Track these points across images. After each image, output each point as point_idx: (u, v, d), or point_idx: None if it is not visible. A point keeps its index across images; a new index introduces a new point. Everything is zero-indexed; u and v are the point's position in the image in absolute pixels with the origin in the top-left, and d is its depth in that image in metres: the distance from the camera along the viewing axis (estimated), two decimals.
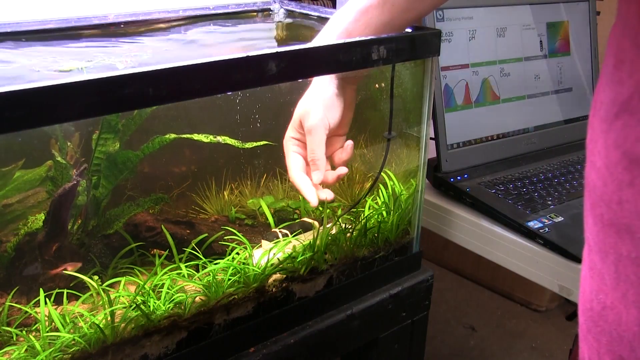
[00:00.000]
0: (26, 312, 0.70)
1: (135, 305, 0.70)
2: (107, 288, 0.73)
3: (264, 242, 0.89)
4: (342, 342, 0.90)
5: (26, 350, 0.66)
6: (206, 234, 0.86)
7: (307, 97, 0.77)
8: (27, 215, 0.77)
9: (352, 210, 0.95)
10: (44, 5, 0.90)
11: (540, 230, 0.90)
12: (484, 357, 1.80)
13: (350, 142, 0.79)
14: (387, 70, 0.89)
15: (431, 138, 0.96)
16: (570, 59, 1.22)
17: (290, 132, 0.78)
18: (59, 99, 0.53)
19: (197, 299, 0.76)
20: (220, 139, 0.88)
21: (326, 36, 0.75)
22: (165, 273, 0.77)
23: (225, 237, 0.86)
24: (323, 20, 1.02)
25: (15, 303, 0.71)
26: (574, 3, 1.21)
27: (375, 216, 0.93)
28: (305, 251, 0.84)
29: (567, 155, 1.16)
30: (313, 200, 0.75)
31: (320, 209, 0.99)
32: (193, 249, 0.81)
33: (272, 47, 0.68)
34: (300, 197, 1.02)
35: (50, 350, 0.66)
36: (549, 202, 0.97)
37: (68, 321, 0.69)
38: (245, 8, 1.07)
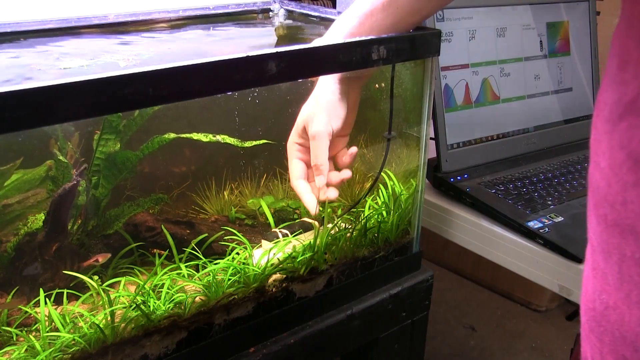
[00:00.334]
0: (26, 312, 0.70)
1: (135, 305, 0.70)
2: (107, 288, 0.73)
3: (264, 242, 0.89)
4: (342, 342, 0.90)
5: (26, 350, 0.66)
6: (206, 234, 0.86)
7: (311, 102, 0.77)
8: (27, 215, 0.77)
9: (352, 210, 0.95)
10: (44, 5, 0.90)
11: (540, 230, 0.90)
12: (484, 357, 1.80)
13: (354, 149, 0.79)
14: (387, 70, 0.89)
15: (431, 138, 0.96)
16: (570, 59, 1.22)
17: (294, 138, 0.78)
18: (59, 99, 0.53)
19: (197, 299, 0.76)
20: (220, 138, 0.88)
21: (330, 40, 0.75)
22: (165, 273, 0.77)
23: (225, 237, 0.86)
24: (323, 20, 1.02)
25: (15, 303, 0.71)
26: (574, 3, 1.21)
27: (375, 216, 0.93)
28: (305, 251, 0.84)
29: (567, 155, 1.16)
30: (312, 209, 0.75)
31: (321, 209, 0.99)
32: (193, 249, 0.81)
33: (272, 48, 0.68)
34: None
35: (50, 350, 0.66)
36: (549, 202, 0.97)
37: (68, 321, 0.69)
38: (245, 8, 1.07)
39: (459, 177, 1.03)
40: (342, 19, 0.76)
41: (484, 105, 1.10)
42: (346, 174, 0.78)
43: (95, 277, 0.74)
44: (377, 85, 0.98)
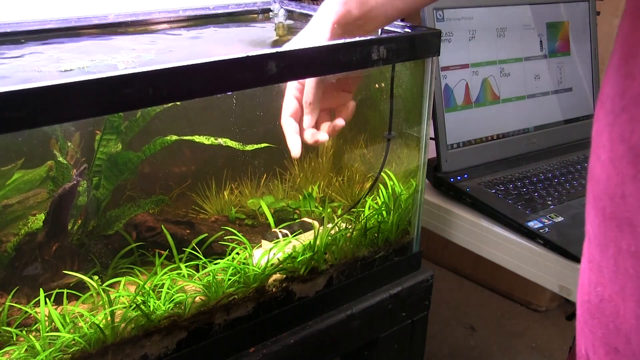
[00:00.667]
0: (26, 312, 0.70)
1: (135, 305, 0.71)
2: (107, 288, 0.74)
3: (264, 242, 0.89)
4: (342, 342, 0.90)
5: (26, 350, 0.66)
6: (206, 234, 0.86)
7: (308, 39, 0.73)
8: (27, 215, 0.77)
9: (352, 210, 0.95)
10: (44, 5, 0.90)
11: (540, 230, 0.90)
12: (484, 357, 1.80)
13: (353, 103, 0.76)
14: (387, 70, 0.89)
15: (431, 138, 0.96)
16: (570, 59, 1.22)
17: None
18: (59, 99, 0.53)
19: (197, 299, 0.76)
20: (222, 141, 0.88)
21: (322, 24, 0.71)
22: (165, 273, 0.77)
23: (225, 237, 0.86)
24: None
25: (15, 303, 0.71)
26: (574, 3, 1.21)
27: (375, 216, 0.93)
28: (305, 251, 0.84)
29: (567, 155, 1.16)
30: (293, 148, 0.72)
31: (321, 209, 0.99)
32: (193, 249, 0.81)
33: (272, 48, 0.68)
34: (300, 197, 1.02)
35: (50, 350, 0.66)
36: (549, 202, 0.97)
37: (68, 321, 0.69)
38: (245, 8, 1.07)
39: (459, 177, 1.03)
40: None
41: (484, 105, 1.10)
42: (339, 121, 0.74)
43: (95, 277, 0.74)
44: (377, 85, 0.98)
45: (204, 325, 0.76)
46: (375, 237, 0.92)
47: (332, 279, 0.87)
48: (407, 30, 0.83)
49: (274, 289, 0.81)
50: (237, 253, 0.82)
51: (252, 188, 1.01)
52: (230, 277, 0.78)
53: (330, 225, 0.89)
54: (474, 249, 0.99)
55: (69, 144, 0.79)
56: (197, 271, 0.79)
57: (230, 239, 0.86)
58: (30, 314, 0.70)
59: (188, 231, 0.88)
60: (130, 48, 0.85)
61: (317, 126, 0.75)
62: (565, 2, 1.20)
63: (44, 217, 0.76)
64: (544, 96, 1.18)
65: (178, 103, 0.83)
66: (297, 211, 1.00)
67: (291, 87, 0.75)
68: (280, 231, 0.90)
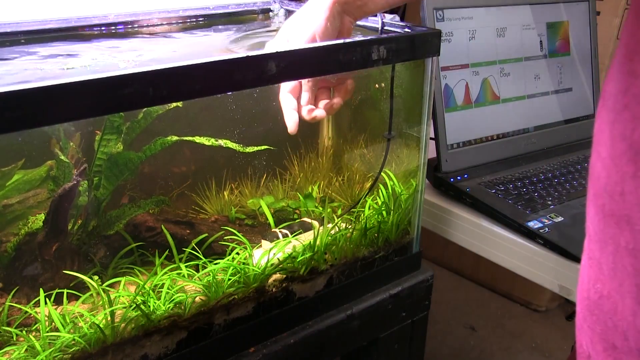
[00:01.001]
0: (26, 312, 0.70)
1: (135, 305, 0.71)
2: (107, 288, 0.73)
3: (264, 242, 0.89)
4: (342, 342, 0.90)
5: (26, 350, 0.66)
6: (206, 234, 0.86)
7: (299, 18, 0.73)
8: (27, 215, 0.77)
9: (352, 210, 0.95)
10: (44, 5, 0.90)
11: (540, 230, 0.90)
12: (484, 357, 1.80)
13: (351, 82, 0.76)
14: (387, 70, 0.89)
15: (431, 138, 0.96)
16: (570, 59, 1.22)
17: None
18: (59, 99, 0.53)
19: (197, 299, 0.76)
20: (222, 142, 0.88)
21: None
22: (165, 273, 0.77)
23: (225, 237, 0.86)
24: None
25: (15, 303, 0.71)
26: (574, 3, 1.21)
27: (375, 216, 0.93)
28: (305, 251, 0.84)
29: (567, 155, 1.16)
30: (290, 124, 0.72)
31: (321, 208, 0.99)
32: (193, 249, 0.81)
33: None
34: (300, 197, 1.02)
35: (50, 350, 0.66)
36: (549, 202, 0.97)
37: (68, 321, 0.69)
38: (246, 8, 1.07)
39: (459, 177, 1.03)
40: None
41: (484, 105, 1.10)
42: (337, 100, 0.75)
43: (95, 277, 0.74)
44: (377, 85, 0.98)
45: (204, 325, 0.76)
46: (375, 237, 0.92)
47: (332, 279, 0.87)
48: (407, 30, 0.83)
49: (274, 289, 0.81)
50: (237, 253, 0.82)
51: (252, 188, 1.01)
52: (230, 277, 0.78)
53: (330, 225, 0.89)
54: (474, 249, 0.99)
55: (71, 143, 0.79)
56: (197, 271, 0.79)
57: (230, 239, 0.86)
58: (30, 314, 0.70)
59: (188, 231, 0.88)
60: (131, 48, 0.85)
61: (315, 104, 0.75)
62: (565, 2, 1.20)
63: (44, 217, 0.76)
64: (544, 96, 1.18)
65: (180, 105, 0.83)
66: (297, 211, 1.00)
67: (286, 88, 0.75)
68: (280, 231, 0.90)
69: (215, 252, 0.85)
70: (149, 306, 0.72)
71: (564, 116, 1.21)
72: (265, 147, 0.95)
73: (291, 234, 0.90)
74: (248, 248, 0.83)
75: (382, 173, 0.94)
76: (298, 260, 0.83)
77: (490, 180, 1.04)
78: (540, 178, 1.05)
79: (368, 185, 0.99)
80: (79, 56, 0.78)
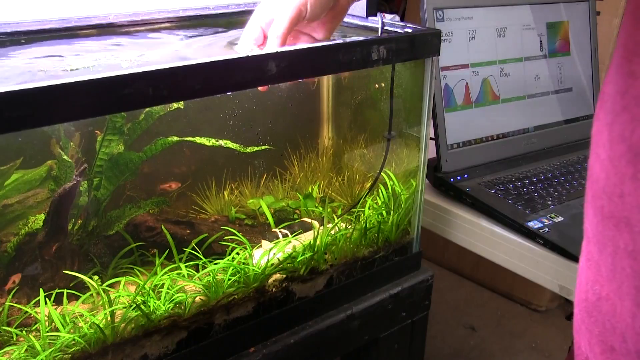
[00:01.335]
0: (26, 312, 0.70)
1: (135, 305, 0.71)
2: (107, 288, 0.73)
3: (264, 242, 0.89)
4: (342, 342, 0.90)
5: (26, 350, 0.66)
6: (206, 234, 0.86)
7: None
8: (27, 215, 0.77)
9: (352, 210, 0.95)
10: (44, 5, 0.90)
11: (540, 230, 0.90)
12: (484, 357, 1.80)
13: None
14: (387, 70, 0.89)
15: (431, 138, 0.96)
16: (570, 59, 1.22)
17: None
18: (59, 99, 0.53)
19: (197, 299, 0.76)
20: (222, 142, 0.88)
21: None
22: (165, 273, 0.77)
23: (225, 237, 0.86)
24: None
25: (15, 303, 0.71)
26: (574, 3, 1.21)
27: (375, 216, 0.93)
28: (305, 251, 0.84)
29: (567, 155, 1.16)
30: (241, 46, 0.71)
31: (320, 209, 0.99)
32: (193, 249, 0.81)
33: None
34: (300, 197, 1.02)
35: (50, 350, 0.66)
36: (549, 202, 0.97)
37: (68, 321, 0.69)
38: (246, 8, 1.07)
39: (459, 177, 1.03)
40: None
41: (484, 105, 1.10)
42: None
43: (95, 277, 0.74)
44: (377, 85, 0.98)
45: (204, 325, 0.76)
46: (375, 237, 0.92)
47: (332, 279, 0.87)
48: (407, 30, 0.83)
49: (274, 289, 0.81)
50: (237, 253, 0.82)
51: (252, 188, 1.01)
52: (230, 277, 0.78)
53: (330, 225, 0.89)
54: (474, 249, 0.99)
55: (71, 143, 0.79)
56: (197, 271, 0.79)
57: (230, 239, 0.86)
58: (30, 314, 0.70)
59: (188, 231, 0.88)
60: (131, 48, 0.85)
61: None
62: (565, 2, 1.20)
63: (44, 217, 0.76)
64: (544, 96, 1.18)
65: (181, 106, 0.83)
66: (297, 211, 1.00)
67: (259, 16, 0.72)
68: (280, 231, 0.90)
69: (215, 252, 0.85)
70: (149, 306, 0.72)
71: (564, 116, 1.21)
72: (266, 147, 0.95)
73: (291, 234, 0.90)
74: (248, 248, 0.83)
75: (382, 173, 0.94)
76: (298, 260, 0.83)
77: (490, 180, 1.04)
78: (540, 178, 1.05)
79: (368, 185, 0.99)
80: (80, 56, 0.78)
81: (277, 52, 0.65)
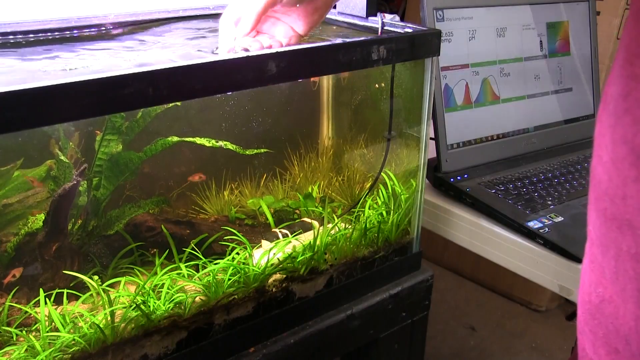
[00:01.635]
0: (26, 312, 0.70)
1: (135, 305, 0.71)
2: (107, 288, 0.73)
3: (264, 242, 0.89)
4: (342, 342, 0.90)
5: (26, 350, 0.66)
6: (206, 234, 0.86)
7: None
8: (27, 215, 0.77)
9: (352, 210, 0.95)
10: (44, 5, 0.90)
11: (540, 230, 0.90)
12: (484, 357, 1.80)
13: (296, 36, 0.73)
14: (387, 70, 0.89)
15: (431, 138, 0.96)
16: (570, 59, 1.22)
17: None
18: (59, 99, 0.53)
19: (197, 299, 0.76)
20: (222, 143, 0.88)
21: None
22: (165, 273, 0.77)
23: (225, 237, 0.86)
24: (323, 20, 1.02)
25: (15, 303, 0.71)
26: (574, 3, 1.21)
27: (376, 216, 0.93)
28: (305, 251, 0.84)
29: (567, 155, 1.16)
30: (222, 45, 0.70)
31: (320, 209, 0.99)
32: (193, 249, 0.81)
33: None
34: (300, 197, 1.02)
35: (50, 350, 0.66)
36: (549, 202, 0.97)
37: (68, 321, 0.69)
38: None
39: (459, 177, 1.03)
40: None
41: (484, 105, 1.10)
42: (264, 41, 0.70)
43: (95, 277, 0.74)
44: (377, 85, 0.98)
45: (204, 325, 0.76)
46: (375, 237, 0.92)
47: (332, 279, 0.87)
48: (407, 30, 0.83)
49: (274, 289, 0.81)
50: (237, 253, 0.82)
51: (252, 188, 1.01)
52: (230, 277, 0.78)
53: (330, 225, 0.89)
54: (474, 249, 0.99)
55: (70, 143, 0.79)
56: (197, 271, 0.79)
57: (230, 239, 0.86)
58: (30, 314, 0.70)
59: (188, 231, 0.88)
60: (131, 48, 0.85)
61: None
62: (565, 2, 1.20)
63: (44, 217, 0.76)
64: (544, 96, 1.18)
65: (179, 104, 0.83)
66: (297, 211, 1.00)
67: (229, 16, 0.71)
68: (280, 231, 0.90)
69: (215, 252, 0.85)
70: (149, 306, 0.72)
71: (564, 116, 1.21)
72: (265, 150, 0.95)
73: (291, 234, 0.90)
74: (248, 248, 0.83)
75: (382, 173, 0.94)
76: (298, 260, 0.83)
77: (490, 180, 1.04)
78: (540, 178, 1.05)
79: (368, 185, 0.99)
80: (79, 56, 0.78)
81: (277, 52, 0.65)
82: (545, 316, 1.98)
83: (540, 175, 1.06)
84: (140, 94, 0.57)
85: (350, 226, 0.91)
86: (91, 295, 0.73)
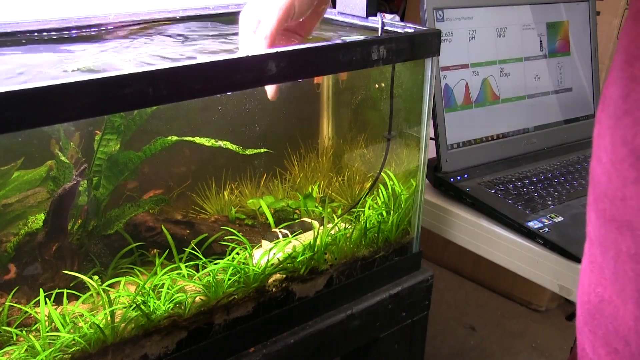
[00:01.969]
0: (26, 312, 0.70)
1: (135, 305, 0.71)
2: (107, 288, 0.73)
3: (264, 242, 0.89)
4: (342, 342, 0.90)
5: (26, 350, 0.66)
6: (206, 234, 0.86)
7: None
8: (27, 215, 0.77)
9: (352, 210, 0.95)
10: (44, 5, 0.90)
11: (540, 230, 0.90)
12: (484, 357, 1.80)
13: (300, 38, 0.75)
14: (387, 70, 0.89)
15: (431, 138, 0.96)
16: (570, 59, 1.22)
17: None
18: (59, 99, 0.53)
19: (197, 299, 0.76)
20: (222, 143, 0.88)
21: None
22: (165, 273, 0.77)
23: (225, 237, 0.86)
24: (322, 20, 1.02)
25: (15, 303, 0.71)
26: (574, 3, 1.21)
27: (375, 216, 0.93)
28: (305, 251, 0.84)
29: (567, 155, 1.16)
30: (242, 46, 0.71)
31: (320, 209, 0.99)
32: (193, 249, 0.81)
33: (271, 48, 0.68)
34: (300, 197, 1.02)
35: (50, 350, 0.66)
36: (549, 202, 0.97)
37: (68, 321, 0.69)
38: None
39: (459, 177, 1.03)
40: None
41: (484, 105, 1.10)
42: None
43: (95, 277, 0.74)
44: (377, 85, 0.98)
45: (204, 325, 0.76)
46: (375, 237, 0.92)
47: (332, 279, 0.87)
48: (407, 30, 0.83)
49: (274, 289, 0.81)
50: (237, 253, 0.82)
51: (252, 188, 1.01)
52: (230, 277, 0.78)
53: (330, 225, 0.89)
54: (474, 249, 0.99)
55: (71, 143, 0.79)
56: (197, 271, 0.79)
57: (230, 239, 0.86)
58: (30, 314, 0.70)
59: (188, 231, 0.88)
60: (131, 48, 0.85)
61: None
62: (565, 2, 1.20)
63: (44, 217, 0.76)
64: (544, 96, 1.18)
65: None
66: (297, 211, 1.00)
67: (247, 23, 0.71)
68: (280, 231, 0.90)
69: (215, 252, 0.85)
70: (149, 306, 0.72)
71: (564, 116, 1.21)
72: (264, 150, 0.95)
73: (291, 234, 0.90)
74: (248, 248, 0.83)
75: (382, 173, 0.94)
76: (298, 260, 0.83)
77: (490, 180, 1.04)
78: (540, 178, 1.05)
79: (368, 185, 0.99)
80: (80, 56, 0.78)
81: (277, 52, 0.65)
82: (545, 316, 1.98)
83: (540, 175, 1.06)
84: (140, 94, 0.57)
85: (350, 226, 0.91)
86: (91, 295, 0.73)
